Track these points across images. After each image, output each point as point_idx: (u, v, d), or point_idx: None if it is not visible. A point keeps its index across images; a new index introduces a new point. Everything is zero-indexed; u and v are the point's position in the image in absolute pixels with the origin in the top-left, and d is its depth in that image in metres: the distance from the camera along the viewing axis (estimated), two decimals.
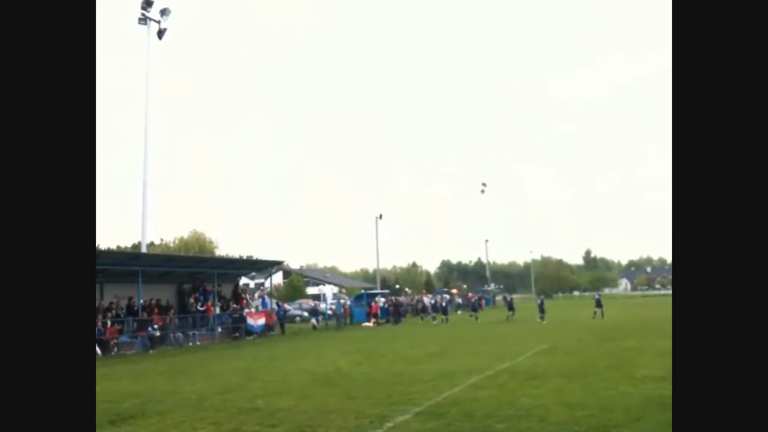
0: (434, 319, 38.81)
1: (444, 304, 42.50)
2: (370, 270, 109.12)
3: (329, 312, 42.02)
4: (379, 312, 40.05)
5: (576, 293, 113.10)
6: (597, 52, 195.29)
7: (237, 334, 28.40)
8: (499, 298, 68.57)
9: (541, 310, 32.49)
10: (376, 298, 43.93)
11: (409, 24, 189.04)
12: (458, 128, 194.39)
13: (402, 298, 53.81)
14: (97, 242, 60.78)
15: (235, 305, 31.02)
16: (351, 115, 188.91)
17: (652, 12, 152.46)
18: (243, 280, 37.77)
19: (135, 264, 25.59)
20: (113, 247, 55.07)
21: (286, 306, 43.21)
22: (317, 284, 79.26)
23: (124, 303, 25.46)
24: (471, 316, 38.08)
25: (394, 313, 40.93)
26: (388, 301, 45.00)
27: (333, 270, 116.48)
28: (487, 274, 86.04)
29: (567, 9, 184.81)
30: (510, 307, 37.41)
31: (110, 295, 25.55)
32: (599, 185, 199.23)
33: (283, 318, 33.67)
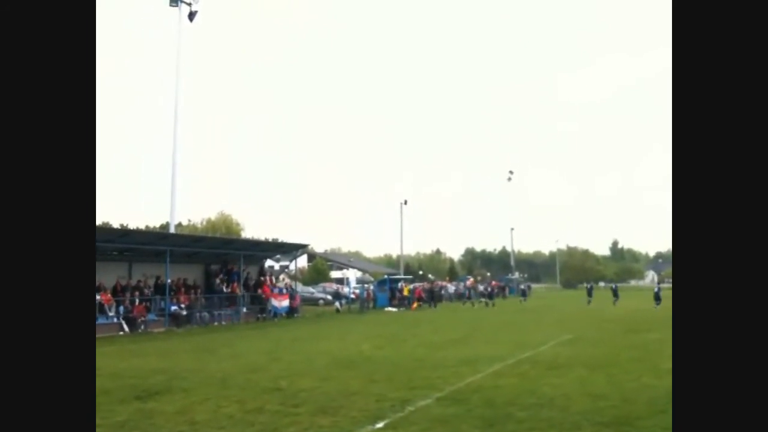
0: (486, 303, 40.53)
1: (489, 289, 43.12)
2: (394, 256, 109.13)
3: (352, 296, 42.27)
4: (423, 295, 43.29)
5: (602, 284, 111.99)
6: (598, 52, 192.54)
7: (263, 315, 28.73)
8: (522, 287, 68.23)
9: (615, 294, 40.27)
10: (400, 284, 44.13)
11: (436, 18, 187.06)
12: (482, 123, 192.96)
13: (439, 283, 56.30)
14: (127, 222, 61.84)
15: (259, 288, 31.39)
16: (378, 111, 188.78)
17: (653, 12, 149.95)
18: (268, 263, 38.07)
19: (163, 244, 26.00)
20: (142, 226, 56.01)
21: (310, 289, 43.93)
22: (341, 268, 79.63)
23: (151, 282, 25.94)
24: (487, 304, 40.08)
25: (430, 298, 43.26)
26: (425, 285, 48.94)
27: (357, 255, 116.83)
28: (512, 262, 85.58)
29: (568, 9, 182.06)
30: (523, 293, 44.81)
31: (138, 274, 26.05)
32: (600, 184, 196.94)
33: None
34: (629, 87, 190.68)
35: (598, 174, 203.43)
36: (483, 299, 42.03)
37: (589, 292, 41.81)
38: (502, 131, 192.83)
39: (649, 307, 32.17)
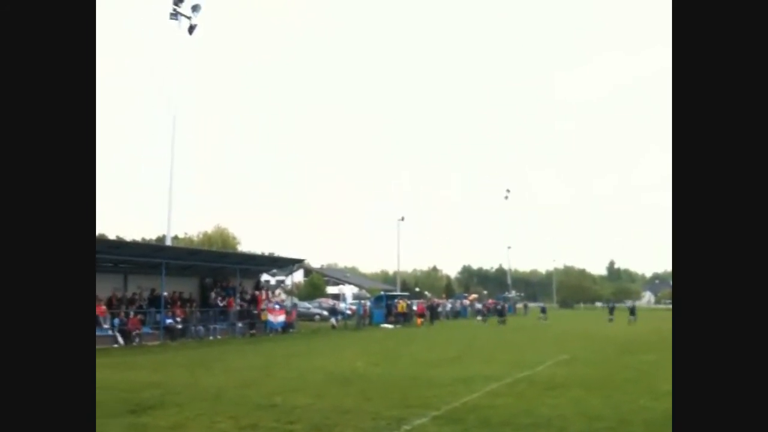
0: (499, 321, 40.28)
1: (499, 306, 43.08)
2: (390, 272, 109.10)
3: (348, 312, 42.07)
4: (426, 312, 44.37)
5: (598, 304, 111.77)
6: (595, 50, 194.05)
7: (253, 331, 28.56)
8: (519, 305, 68.26)
9: (632, 313, 40.85)
10: (396, 301, 44.04)
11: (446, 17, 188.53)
12: (479, 131, 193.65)
13: (437, 301, 57.11)
14: (123, 234, 61.79)
15: (255, 302, 31.25)
16: (373, 117, 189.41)
17: (650, 10, 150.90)
18: (264, 277, 37.98)
19: (159, 256, 25.91)
20: (138, 238, 55.87)
21: (306, 304, 43.80)
22: (337, 284, 79.45)
23: (146, 294, 25.81)
24: (500, 321, 39.80)
25: (431, 315, 44.38)
26: (427, 302, 50.96)
27: (353, 270, 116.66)
28: (509, 281, 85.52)
29: (564, 7, 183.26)
30: (543, 311, 48.01)
31: (134, 286, 25.93)
32: (597, 185, 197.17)
33: None
34: (626, 86, 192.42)
35: (595, 175, 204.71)
36: (495, 317, 42.05)
37: (611, 311, 43.63)
38: (500, 132, 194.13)
39: (648, 329, 32.04)
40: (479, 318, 49.09)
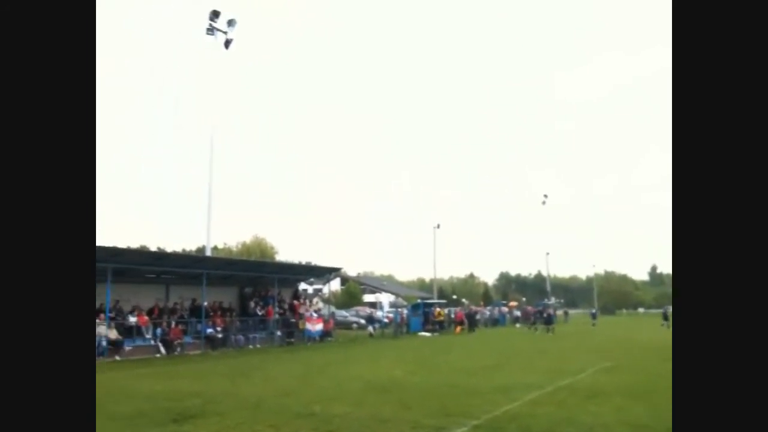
0: (547, 330, 39.12)
1: (545, 315, 42.37)
2: (427, 279, 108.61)
3: (386, 320, 42.05)
4: (464, 320, 43.60)
5: (641, 310, 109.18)
6: (595, 50, 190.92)
7: (292, 340, 28.78)
8: (560, 312, 67.19)
9: (665, 318, 41.70)
10: (434, 308, 43.85)
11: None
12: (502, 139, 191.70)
13: (475, 308, 56.58)
14: (164, 245, 63.12)
15: (293, 311, 31.51)
16: (411, 125, 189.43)
17: (651, 10, 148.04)
18: (301, 286, 38.28)
19: (199, 267, 26.37)
20: (179, 249, 57.01)
21: (343, 312, 43.96)
22: (374, 292, 79.55)
23: (188, 304, 26.28)
24: (548, 330, 38.71)
25: (469, 322, 43.41)
26: (464, 309, 50.77)
27: (389, 278, 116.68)
28: (548, 287, 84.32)
29: (565, 7, 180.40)
30: (593, 316, 49.20)
31: (175, 296, 26.44)
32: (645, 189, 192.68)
33: None
34: (626, 86, 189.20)
35: (595, 176, 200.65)
36: (542, 325, 40.67)
37: (665, 316, 42.83)
38: (533, 136, 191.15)
39: None
40: (517, 325, 48.51)
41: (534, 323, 44.53)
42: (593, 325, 47.32)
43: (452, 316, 46.43)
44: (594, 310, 59.79)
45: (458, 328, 41.77)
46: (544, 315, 42.19)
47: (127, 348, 21.83)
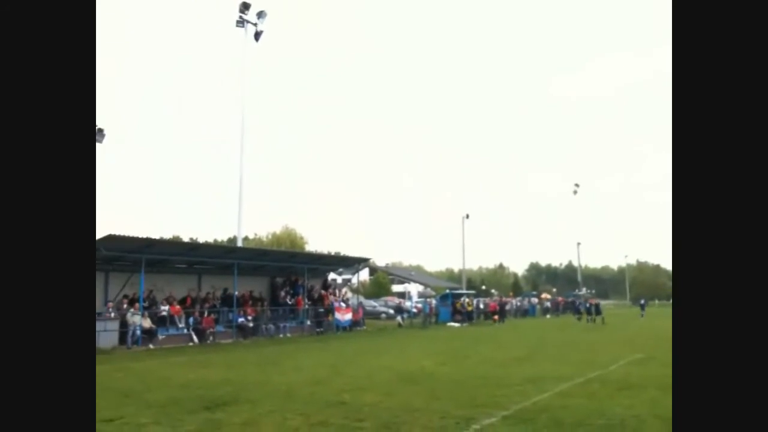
0: (594, 320, 38.54)
1: (588, 305, 41.98)
2: (455, 270, 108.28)
3: (414, 310, 42.10)
4: (498, 309, 43.67)
5: None
6: (597, 52, 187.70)
7: (321, 329, 29.04)
8: (642, 301, 66.28)
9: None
10: (463, 299, 43.75)
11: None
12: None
13: (505, 299, 56.09)
14: (196, 236, 64.21)
15: (322, 301, 31.77)
16: (442, 115, 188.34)
17: (654, 12, 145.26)
18: (330, 276, 38.52)
19: (231, 257, 26.72)
20: (210, 240, 57.82)
21: (372, 302, 44.15)
22: (402, 282, 79.65)
23: (219, 294, 26.67)
24: (595, 320, 37.98)
25: (500, 313, 43.38)
26: (497, 300, 49.87)
27: (418, 269, 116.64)
28: (579, 278, 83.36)
29: (567, 9, 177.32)
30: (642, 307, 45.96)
31: (207, 286, 26.86)
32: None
33: None
34: (627, 86, 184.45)
35: (632, 166, 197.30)
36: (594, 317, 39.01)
37: None
38: (570, 126, 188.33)
39: None
40: (548, 316, 47.88)
41: (580, 314, 42.97)
42: (642, 316, 45.06)
43: (481, 306, 46.28)
44: (643, 301, 57.11)
45: (495, 318, 42.10)
46: (594, 305, 41.30)
47: (161, 337, 22.28)
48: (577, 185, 72.32)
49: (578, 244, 78.77)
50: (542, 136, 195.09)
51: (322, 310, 30.35)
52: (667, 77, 3.04)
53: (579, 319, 41.48)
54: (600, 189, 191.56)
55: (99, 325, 19.94)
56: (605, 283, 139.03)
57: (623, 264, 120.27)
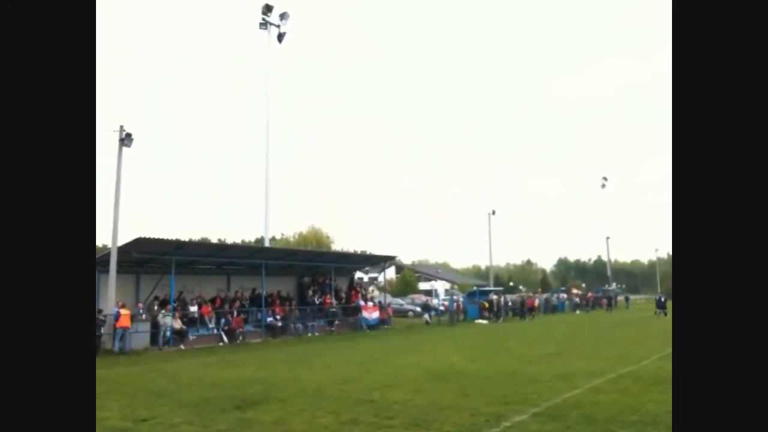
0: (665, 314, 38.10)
1: (662, 299, 41.34)
2: (483, 267, 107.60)
3: (441, 308, 41.98)
4: (536, 305, 44.63)
5: None
6: (596, 54, 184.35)
7: (349, 328, 29.14)
8: (620, 298, 65.27)
9: None
10: (491, 295, 43.48)
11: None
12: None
13: (533, 295, 56.77)
14: (224, 237, 65.00)
15: (348, 299, 31.90)
16: (466, 112, 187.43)
17: (653, 14, 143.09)
18: (357, 274, 38.61)
19: (259, 257, 26.98)
20: (238, 241, 58.43)
21: (399, 300, 44.19)
22: (429, 280, 79.41)
23: (248, 294, 26.94)
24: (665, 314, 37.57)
25: (528, 310, 43.57)
26: (522, 297, 50.12)
27: (445, 266, 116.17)
28: (608, 272, 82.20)
29: (566, 10, 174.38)
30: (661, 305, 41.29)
31: (236, 286, 27.16)
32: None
33: None
34: (626, 88, 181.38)
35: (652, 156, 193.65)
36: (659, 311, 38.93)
37: None
38: (591, 121, 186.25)
39: None
40: (577, 311, 47.23)
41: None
42: (664, 315, 44.04)
43: (509, 303, 45.93)
44: (662, 298, 55.11)
45: (534, 313, 42.73)
46: (660, 299, 40.70)
47: (192, 337, 22.60)
48: (605, 179, 71.18)
49: (607, 238, 77.51)
50: (541, 137, 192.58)
51: (350, 308, 30.45)
52: (667, 79, 3.05)
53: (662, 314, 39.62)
54: (629, 183, 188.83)
55: (131, 327, 20.31)
56: (636, 277, 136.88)
57: (654, 258, 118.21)
